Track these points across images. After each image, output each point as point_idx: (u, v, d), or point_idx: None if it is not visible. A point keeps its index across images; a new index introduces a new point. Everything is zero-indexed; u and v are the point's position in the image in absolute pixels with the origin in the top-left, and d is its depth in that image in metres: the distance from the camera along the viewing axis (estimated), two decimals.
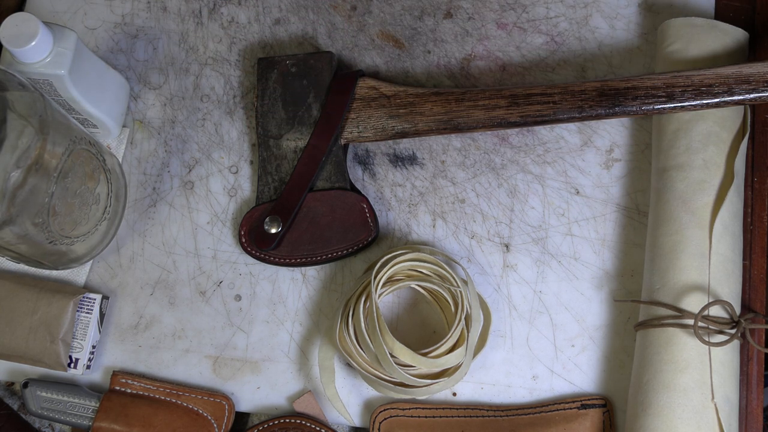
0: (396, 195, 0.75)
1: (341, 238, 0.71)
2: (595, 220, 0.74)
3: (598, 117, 0.69)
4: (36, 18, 0.64)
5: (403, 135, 0.72)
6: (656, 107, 0.68)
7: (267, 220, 0.71)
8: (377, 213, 0.74)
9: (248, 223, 0.72)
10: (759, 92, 0.66)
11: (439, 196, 0.75)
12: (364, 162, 0.76)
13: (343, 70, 0.77)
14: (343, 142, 0.73)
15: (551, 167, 0.75)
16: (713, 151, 0.68)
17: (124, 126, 0.78)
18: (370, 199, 0.75)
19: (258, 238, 0.71)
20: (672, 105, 0.68)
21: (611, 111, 0.68)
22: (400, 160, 0.76)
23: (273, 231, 0.71)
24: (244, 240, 0.72)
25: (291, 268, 0.73)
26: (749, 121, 0.71)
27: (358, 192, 0.73)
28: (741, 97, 0.67)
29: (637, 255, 0.72)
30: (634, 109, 0.68)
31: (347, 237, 0.71)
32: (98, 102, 0.72)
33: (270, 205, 0.72)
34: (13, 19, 0.63)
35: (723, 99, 0.67)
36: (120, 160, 0.77)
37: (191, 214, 0.76)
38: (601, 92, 0.68)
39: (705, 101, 0.67)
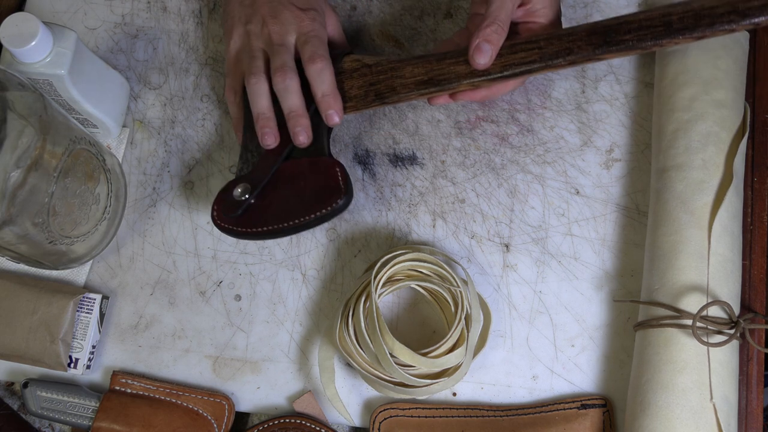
0: (396, 195, 0.75)
1: (313, 202, 0.67)
2: (595, 220, 0.74)
3: (589, 58, 0.64)
4: (36, 18, 0.64)
5: (383, 100, 0.70)
6: (653, 40, 0.62)
7: (237, 187, 0.69)
8: (378, 211, 0.74)
9: (220, 196, 0.70)
10: None
11: (439, 196, 0.75)
12: (364, 162, 0.76)
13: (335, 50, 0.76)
14: None
15: (551, 167, 0.75)
16: (712, 151, 0.68)
17: (124, 126, 0.78)
18: (367, 196, 0.75)
19: (226, 205, 0.69)
20: (671, 36, 0.61)
21: (603, 49, 0.63)
22: (400, 160, 0.76)
23: (241, 198, 0.68)
24: (215, 213, 0.69)
25: (291, 269, 0.73)
26: (749, 121, 0.71)
27: (334, 158, 0.70)
28: (749, 21, 0.59)
29: (637, 255, 0.72)
30: (630, 43, 0.62)
31: (319, 200, 0.67)
32: (98, 102, 0.72)
33: (245, 177, 0.70)
34: (13, 19, 0.63)
35: (728, 24, 0.60)
36: (120, 160, 0.77)
37: (191, 214, 0.76)
38: (591, 31, 0.64)
39: (708, 28, 0.60)
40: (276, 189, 0.69)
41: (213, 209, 0.69)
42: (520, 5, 0.68)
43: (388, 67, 0.70)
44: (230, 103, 0.73)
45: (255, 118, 0.69)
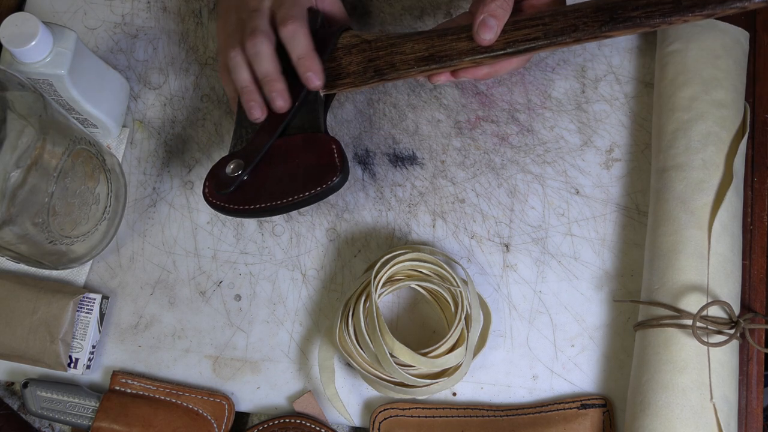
0: (396, 195, 0.75)
1: (308, 180, 0.65)
2: (595, 220, 0.74)
3: (595, 36, 0.62)
4: (36, 18, 0.64)
5: (382, 76, 0.67)
6: (661, 17, 0.60)
7: (230, 163, 0.67)
8: (378, 211, 0.74)
9: (213, 172, 0.68)
10: None
11: (439, 196, 0.75)
12: (364, 162, 0.76)
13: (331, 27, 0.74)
14: (323, 92, 0.69)
15: (551, 167, 0.75)
16: (712, 151, 0.68)
17: (124, 126, 0.78)
18: (367, 196, 0.75)
19: (218, 182, 0.67)
20: (680, 13, 0.59)
21: (610, 26, 0.61)
22: (400, 160, 0.76)
23: (234, 174, 0.66)
24: (207, 190, 0.68)
25: (291, 269, 0.73)
26: (749, 121, 0.71)
27: (330, 135, 0.69)
28: None
29: (637, 255, 0.72)
30: (637, 20, 0.60)
31: (314, 178, 0.65)
32: (98, 102, 0.72)
33: (238, 153, 0.69)
34: (13, 19, 0.63)
35: (740, 0, 0.58)
36: (120, 160, 0.77)
37: (191, 214, 0.76)
38: (598, 8, 0.62)
39: (719, 5, 0.58)
40: (270, 166, 0.67)
41: (204, 185, 0.68)
42: None
43: (388, 43, 0.68)
44: (224, 82, 0.72)
45: (239, 92, 0.67)
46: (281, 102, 0.66)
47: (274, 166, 0.67)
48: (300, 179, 0.65)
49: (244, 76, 0.67)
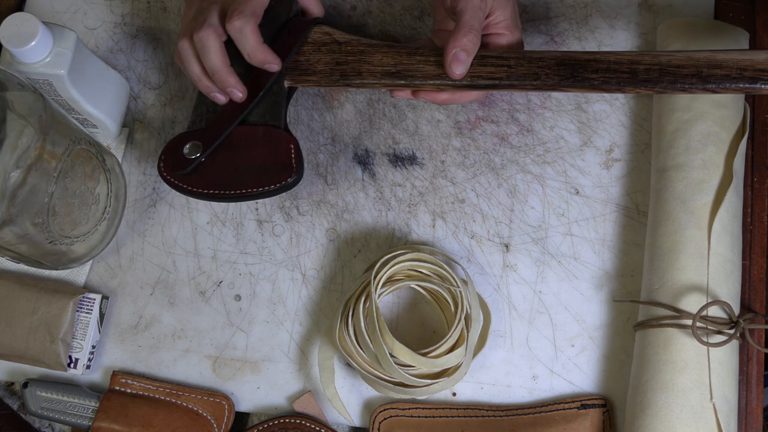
0: (396, 195, 0.75)
1: (263, 175, 0.67)
2: (595, 220, 0.74)
3: (553, 87, 0.65)
4: (36, 18, 0.64)
5: (347, 82, 0.69)
6: (617, 85, 0.63)
7: (188, 144, 0.68)
8: (378, 211, 0.74)
9: (170, 147, 0.69)
10: (730, 81, 0.61)
11: (439, 196, 0.75)
12: (364, 162, 0.76)
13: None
14: (287, 84, 0.70)
15: (551, 167, 0.75)
16: (712, 151, 0.68)
17: (124, 126, 0.78)
18: (367, 196, 0.75)
19: (174, 160, 0.68)
20: (634, 85, 0.62)
21: (569, 83, 0.64)
22: (399, 160, 0.76)
23: (191, 156, 0.68)
24: (162, 165, 0.69)
25: (291, 269, 0.73)
26: (749, 121, 0.71)
27: (290, 134, 0.70)
28: (708, 86, 0.61)
29: (637, 255, 0.72)
30: (594, 83, 0.63)
31: (269, 174, 0.67)
32: (98, 102, 0.72)
33: (197, 133, 0.70)
34: (13, 19, 0.63)
35: (688, 85, 0.61)
36: (120, 160, 0.77)
37: (191, 214, 0.76)
38: (561, 62, 0.64)
39: (669, 84, 0.62)
40: (227, 152, 0.68)
41: (160, 159, 0.69)
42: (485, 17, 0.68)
43: (358, 49, 0.69)
44: (182, 68, 0.72)
45: (195, 83, 0.69)
46: (238, 94, 0.68)
47: (231, 153, 0.68)
48: (255, 173, 0.67)
49: (194, 69, 0.68)
